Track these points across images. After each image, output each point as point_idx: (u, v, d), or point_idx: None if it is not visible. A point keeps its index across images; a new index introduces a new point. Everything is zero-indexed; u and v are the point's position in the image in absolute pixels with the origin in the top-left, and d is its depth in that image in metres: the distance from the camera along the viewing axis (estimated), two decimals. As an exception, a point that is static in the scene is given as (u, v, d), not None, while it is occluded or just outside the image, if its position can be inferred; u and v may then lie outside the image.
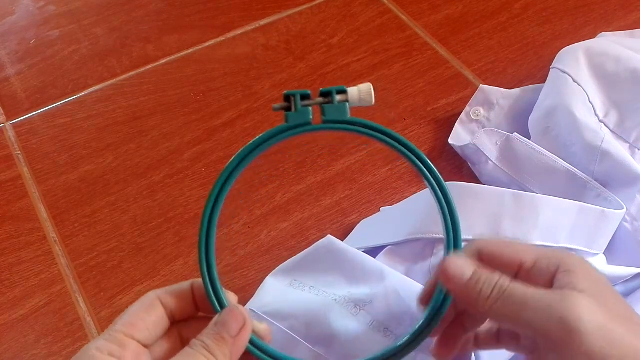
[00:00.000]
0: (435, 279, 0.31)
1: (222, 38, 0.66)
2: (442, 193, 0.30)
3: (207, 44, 0.66)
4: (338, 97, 0.30)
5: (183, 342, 0.30)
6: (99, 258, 0.50)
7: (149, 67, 0.64)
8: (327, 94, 0.30)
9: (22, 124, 0.59)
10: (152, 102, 0.60)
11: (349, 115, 0.30)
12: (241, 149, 0.30)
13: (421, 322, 0.31)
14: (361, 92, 0.29)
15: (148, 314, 0.29)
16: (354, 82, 0.61)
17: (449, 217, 0.30)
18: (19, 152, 0.57)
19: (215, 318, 0.29)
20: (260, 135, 0.30)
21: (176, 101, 0.60)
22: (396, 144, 0.30)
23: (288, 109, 0.30)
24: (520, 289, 0.27)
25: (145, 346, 0.28)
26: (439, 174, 0.30)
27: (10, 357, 0.44)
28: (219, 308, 0.30)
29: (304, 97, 0.29)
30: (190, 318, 0.31)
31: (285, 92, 0.29)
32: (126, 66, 0.64)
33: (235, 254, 0.49)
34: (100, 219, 0.52)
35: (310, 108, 0.30)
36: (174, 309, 0.30)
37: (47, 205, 0.53)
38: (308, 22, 0.68)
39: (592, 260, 0.44)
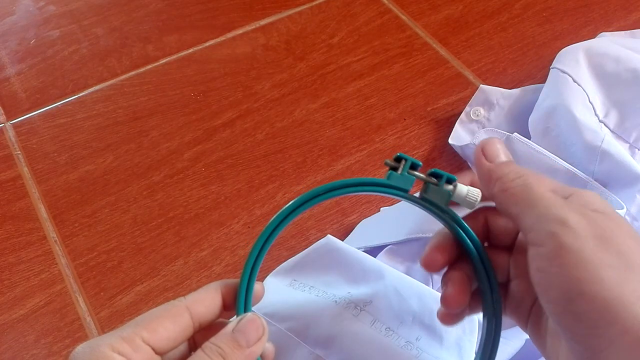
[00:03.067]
0: (441, 239, 0.31)
1: (222, 38, 0.66)
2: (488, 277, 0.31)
3: (207, 44, 0.66)
4: (446, 185, 0.30)
5: (190, 345, 0.30)
6: (99, 258, 0.50)
7: (149, 67, 0.64)
8: (437, 176, 0.31)
9: (22, 124, 0.59)
10: (152, 102, 0.60)
11: (447, 205, 0.31)
12: (337, 181, 0.30)
13: (484, 335, 0.31)
14: (470, 193, 0.30)
15: (174, 324, 0.27)
16: (354, 82, 0.61)
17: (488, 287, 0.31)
18: (19, 152, 0.57)
19: (234, 324, 0.28)
20: (358, 178, 0.30)
21: (176, 101, 0.60)
22: (466, 239, 0.31)
23: (395, 169, 0.30)
24: (540, 189, 0.27)
25: (159, 354, 0.27)
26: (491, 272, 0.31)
27: (10, 357, 0.44)
28: (242, 311, 0.29)
29: (414, 166, 0.30)
30: (215, 319, 0.30)
31: (398, 153, 0.30)
32: (126, 66, 0.64)
33: (235, 254, 0.49)
34: (100, 219, 0.52)
35: (414, 178, 0.30)
36: (201, 316, 0.28)
37: (47, 205, 0.53)
38: (308, 22, 0.68)
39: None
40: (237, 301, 0.29)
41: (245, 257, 0.30)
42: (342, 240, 0.43)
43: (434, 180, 0.31)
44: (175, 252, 0.50)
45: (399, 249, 0.45)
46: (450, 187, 0.30)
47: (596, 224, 0.25)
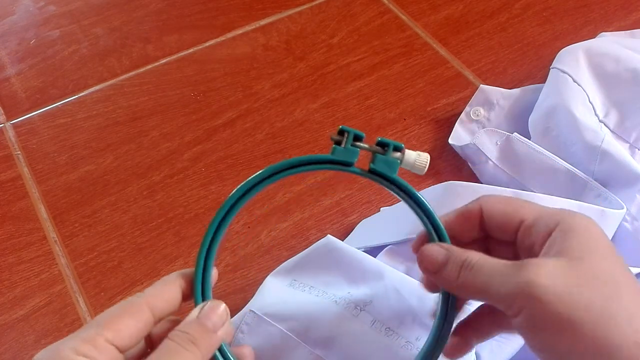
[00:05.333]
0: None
1: (222, 38, 0.66)
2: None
3: (207, 44, 0.66)
4: (393, 153, 0.30)
5: (145, 339, 0.30)
6: (99, 258, 0.50)
7: (149, 67, 0.64)
8: (383, 145, 0.30)
9: (22, 124, 0.59)
10: (152, 102, 0.60)
11: (396, 174, 0.30)
12: (279, 163, 0.30)
13: (433, 331, 0.31)
14: (418, 158, 0.29)
15: (135, 321, 0.27)
16: (354, 82, 0.61)
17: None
18: (19, 152, 0.57)
19: (197, 310, 0.28)
20: (301, 157, 0.30)
21: (176, 101, 0.60)
22: (420, 212, 0.30)
23: (338, 142, 0.29)
24: (486, 264, 0.27)
25: (122, 352, 0.27)
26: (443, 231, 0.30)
27: (10, 357, 0.44)
28: (200, 300, 0.29)
29: (357, 137, 0.30)
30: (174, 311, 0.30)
31: (341, 126, 0.29)
32: (126, 66, 0.64)
33: (235, 254, 0.49)
34: (100, 219, 0.52)
35: (359, 150, 0.29)
36: (159, 310, 0.28)
37: (47, 205, 0.53)
38: (308, 22, 0.68)
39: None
40: (194, 291, 0.29)
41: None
42: (342, 240, 0.43)
43: (379, 149, 0.30)
44: (176, 252, 0.50)
45: (399, 249, 0.45)
46: (398, 154, 0.30)
47: (558, 275, 0.25)
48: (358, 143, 0.29)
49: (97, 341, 0.26)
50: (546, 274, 0.25)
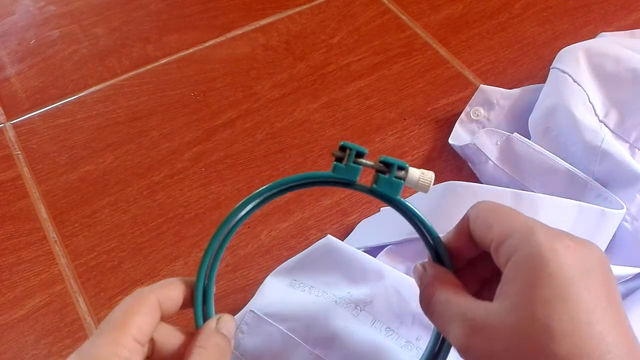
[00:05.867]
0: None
1: (222, 38, 0.66)
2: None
3: (207, 44, 0.66)
4: (397, 172, 0.29)
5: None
6: (99, 258, 0.50)
7: (149, 67, 0.64)
8: (387, 165, 0.29)
9: (22, 124, 0.59)
10: (152, 102, 0.60)
11: (399, 195, 0.29)
12: (283, 179, 0.29)
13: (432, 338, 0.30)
14: (422, 177, 0.28)
15: (150, 316, 0.27)
16: (354, 82, 0.61)
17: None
18: (19, 152, 0.57)
19: (214, 320, 0.29)
20: (302, 174, 0.29)
21: (176, 101, 0.60)
22: (422, 232, 0.30)
23: (340, 159, 0.29)
24: (454, 304, 0.26)
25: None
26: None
27: (10, 357, 0.44)
28: (202, 322, 0.29)
29: (359, 154, 0.29)
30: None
31: (342, 142, 0.29)
32: (126, 66, 0.64)
33: (235, 254, 0.49)
34: (100, 219, 0.52)
35: (361, 168, 0.29)
36: (166, 313, 0.29)
37: (47, 205, 0.53)
38: (308, 22, 0.68)
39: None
40: (194, 312, 0.29)
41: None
42: (342, 240, 0.43)
43: (383, 168, 0.29)
44: (176, 252, 0.50)
45: (399, 249, 0.45)
46: (402, 173, 0.29)
47: (500, 330, 0.23)
48: (360, 160, 0.29)
49: (127, 342, 0.26)
50: (489, 328, 0.24)
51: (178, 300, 0.29)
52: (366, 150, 0.29)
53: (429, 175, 0.29)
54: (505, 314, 0.23)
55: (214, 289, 0.30)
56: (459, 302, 0.26)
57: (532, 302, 0.23)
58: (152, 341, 0.29)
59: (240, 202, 0.29)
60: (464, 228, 0.29)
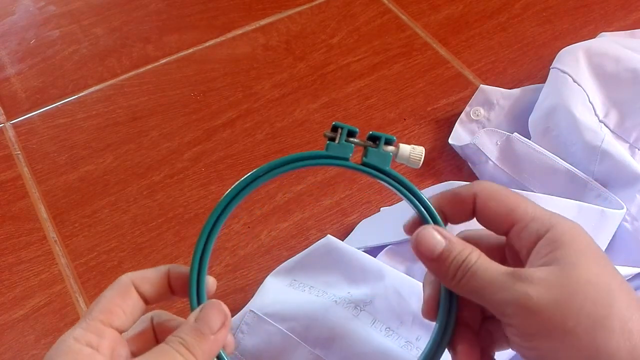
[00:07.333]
0: (434, 291, 0.30)
1: (222, 38, 0.66)
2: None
3: (207, 44, 0.66)
4: (385, 147, 0.30)
5: (155, 330, 0.30)
6: (99, 258, 0.50)
7: (149, 67, 0.64)
8: (375, 139, 0.30)
9: (22, 124, 0.59)
10: (152, 102, 0.60)
11: (389, 166, 0.30)
12: (275, 160, 0.30)
13: (434, 335, 0.30)
14: (413, 151, 0.30)
15: (124, 299, 0.28)
16: (354, 82, 0.61)
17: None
18: (19, 152, 0.57)
19: (195, 313, 0.28)
20: (296, 154, 0.30)
21: (176, 101, 0.60)
22: (420, 206, 0.30)
23: (332, 139, 0.30)
24: (483, 268, 0.27)
25: (122, 332, 0.28)
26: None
27: (10, 357, 0.44)
28: (196, 304, 0.29)
29: (351, 133, 0.30)
30: (164, 300, 0.30)
31: (334, 122, 0.30)
32: (126, 66, 0.64)
33: (235, 254, 0.49)
34: (100, 219, 0.52)
35: (353, 145, 0.30)
36: (148, 294, 0.29)
37: (47, 205, 0.53)
38: (308, 22, 0.68)
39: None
40: (189, 294, 0.29)
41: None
42: (342, 240, 0.43)
43: (371, 143, 0.30)
44: (176, 252, 0.50)
45: (399, 249, 0.45)
46: (391, 147, 0.30)
47: (551, 285, 0.25)
48: (352, 139, 0.30)
49: (95, 326, 0.27)
50: (540, 284, 0.25)
51: (155, 280, 0.29)
52: (357, 130, 0.30)
53: (419, 150, 0.30)
54: (560, 276, 0.25)
55: (209, 282, 0.30)
56: (498, 270, 0.27)
57: (581, 265, 0.25)
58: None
59: (241, 179, 0.30)
60: (465, 201, 0.30)
